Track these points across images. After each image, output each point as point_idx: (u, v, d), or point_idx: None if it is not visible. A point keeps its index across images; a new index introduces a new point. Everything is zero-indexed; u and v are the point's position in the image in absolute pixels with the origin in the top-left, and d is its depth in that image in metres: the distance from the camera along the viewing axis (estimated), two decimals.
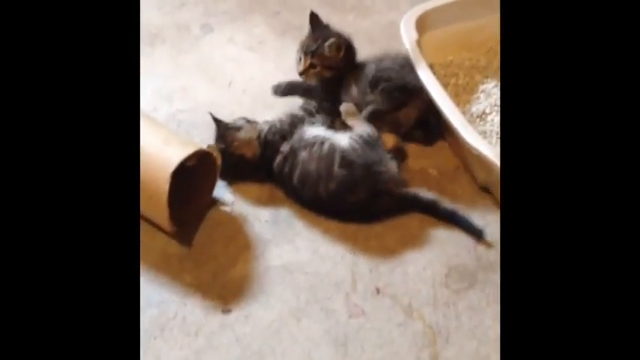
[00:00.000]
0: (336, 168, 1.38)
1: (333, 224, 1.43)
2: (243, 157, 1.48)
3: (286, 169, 1.44)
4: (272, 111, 1.62)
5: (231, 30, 1.86)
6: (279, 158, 1.45)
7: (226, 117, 1.57)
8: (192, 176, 1.42)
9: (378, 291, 1.33)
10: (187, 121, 1.63)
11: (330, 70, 1.56)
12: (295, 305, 1.31)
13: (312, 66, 1.55)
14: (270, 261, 1.38)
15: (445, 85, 1.58)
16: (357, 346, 1.25)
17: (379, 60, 1.57)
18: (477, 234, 1.39)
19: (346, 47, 1.57)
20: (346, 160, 1.39)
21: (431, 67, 1.55)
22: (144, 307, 1.30)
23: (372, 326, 1.28)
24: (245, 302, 1.31)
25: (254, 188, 1.49)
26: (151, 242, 1.39)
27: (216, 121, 1.49)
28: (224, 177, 1.48)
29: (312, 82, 1.58)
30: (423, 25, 1.59)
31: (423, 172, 1.52)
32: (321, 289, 1.33)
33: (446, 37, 1.64)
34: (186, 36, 1.83)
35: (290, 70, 1.67)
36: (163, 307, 1.30)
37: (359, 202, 1.39)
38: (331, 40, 1.53)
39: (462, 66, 1.66)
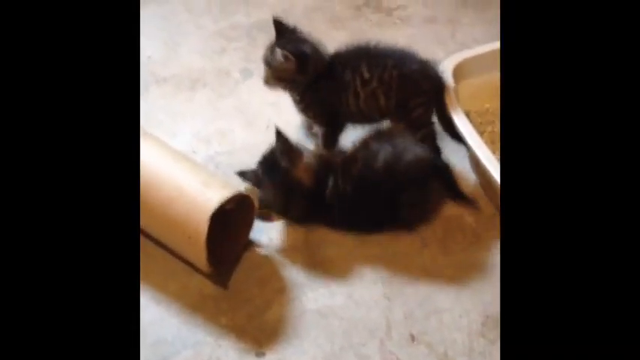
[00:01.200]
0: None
1: (368, 269, 1.43)
2: (300, 183, 1.46)
3: (340, 184, 1.45)
4: None
5: None
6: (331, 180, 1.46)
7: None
8: (230, 218, 1.43)
9: (413, 338, 1.32)
10: (225, 163, 1.66)
11: (284, 81, 1.52)
12: (329, 350, 1.31)
13: (274, 77, 1.52)
14: (305, 305, 1.38)
15: (481, 133, 1.59)
16: None
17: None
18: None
19: (300, 56, 1.47)
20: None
21: (467, 114, 1.56)
22: (179, 348, 1.31)
23: None
24: (279, 346, 1.31)
25: (290, 231, 1.50)
26: (188, 282, 1.41)
27: (281, 136, 1.46)
28: (271, 203, 1.50)
29: (276, 89, 1.55)
30: (460, 73, 1.60)
31: (459, 218, 1.52)
32: (356, 335, 1.33)
33: (483, 85, 1.65)
34: (226, 80, 1.87)
35: None
36: (198, 349, 1.31)
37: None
38: (278, 51, 1.46)
39: (498, 114, 1.67)
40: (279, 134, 1.45)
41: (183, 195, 1.36)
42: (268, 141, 1.70)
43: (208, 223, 1.31)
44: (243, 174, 1.48)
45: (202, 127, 1.75)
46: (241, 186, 1.47)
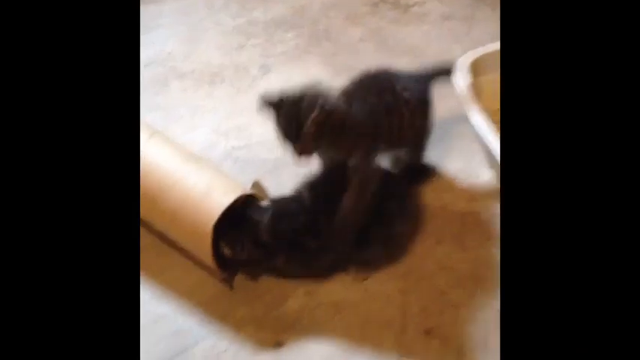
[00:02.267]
0: None
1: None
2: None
3: None
4: None
5: (288, 70, 1.91)
6: None
7: (280, 155, 1.61)
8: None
9: (428, 332, 1.33)
10: (242, 158, 1.68)
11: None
12: (346, 343, 1.33)
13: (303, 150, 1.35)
14: (321, 298, 1.40)
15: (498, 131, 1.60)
16: None
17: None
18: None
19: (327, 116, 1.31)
20: None
21: (485, 112, 1.57)
22: (198, 338, 1.33)
23: None
24: (296, 337, 1.34)
25: None
26: (205, 276, 1.43)
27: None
28: None
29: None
30: (477, 69, 1.61)
31: (475, 215, 1.53)
32: (371, 329, 1.35)
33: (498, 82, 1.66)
34: (245, 76, 1.90)
35: None
36: (217, 339, 1.33)
37: None
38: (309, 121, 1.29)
39: None
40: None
41: (190, 201, 1.39)
42: None
43: (212, 233, 1.34)
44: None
45: (221, 121, 1.78)
46: (248, 184, 1.48)
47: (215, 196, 1.38)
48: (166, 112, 1.79)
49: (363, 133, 1.39)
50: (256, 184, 1.47)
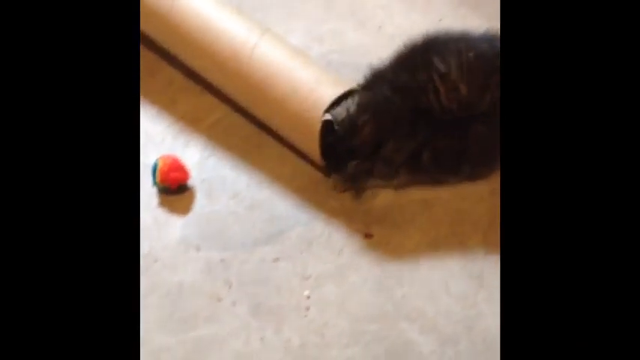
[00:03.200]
0: None
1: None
2: None
3: None
4: None
5: None
6: None
7: (374, 60, 1.64)
8: None
9: None
10: (337, 61, 1.71)
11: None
12: (434, 237, 1.37)
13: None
14: (411, 195, 1.44)
15: None
16: (493, 280, 1.30)
17: None
18: None
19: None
20: None
21: None
22: (293, 223, 1.40)
23: None
24: (386, 230, 1.39)
25: None
26: (300, 166, 1.49)
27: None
28: None
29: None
30: None
31: None
32: (460, 226, 1.39)
33: None
34: None
35: (436, 21, 1.74)
36: (310, 226, 1.39)
37: None
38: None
39: None
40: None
41: (297, 92, 1.43)
42: (379, 42, 1.75)
43: (320, 125, 1.38)
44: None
45: (315, 25, 1.80)
46: (354, 82, 1.52)
47: (323, 89, 1.42)
48: (262, 15, 1.81)
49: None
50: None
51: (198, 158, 1.53)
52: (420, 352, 1.23)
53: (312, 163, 1.48)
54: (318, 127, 1.38)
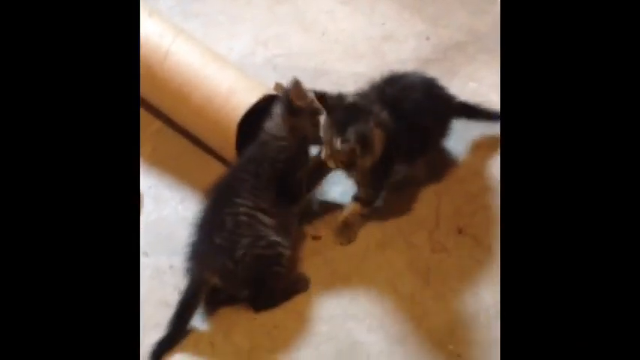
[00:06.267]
0: None
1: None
2: None
3: None
4: (362, 61, 1.70)
5: None
6: None
7: (319, 64, 1.67)
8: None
9: (460, 231, 1.40)
10: (282, 65, 1.72)
11: (348, 166, 1.33)
12: (381, 238, 1.40)
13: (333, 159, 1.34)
14: None
15: None
16: (438, 278, 1.33)
17: None
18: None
19: (363, 141, 1.29)
20: None
21: None
22: None
23: (453, 261, 1.36)
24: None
25: None
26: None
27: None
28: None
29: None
30: None
31: None
32: (406, 226, 1.41)
33: None
34: None
35: (379, 25, 1.77)
36: None
37: None
38: (344, 145, 1.28)
39: None
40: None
41: (212, 103, 1.43)
42: (323, 47, 1.77)
43: (235, 136, 1.39)
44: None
45: (260, 30, 1.81)
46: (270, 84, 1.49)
47: (236, 99, 1.42)
48: (206, 20, 1.83)
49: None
50: (278, 86, 1.46)
51: (144, 165, 1.52)
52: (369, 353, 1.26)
53: None
54: (234, 136, 1.40)
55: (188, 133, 1.55)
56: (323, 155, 1.34)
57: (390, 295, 1.32)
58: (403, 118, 1.36)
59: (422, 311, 1.30)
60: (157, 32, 1.52)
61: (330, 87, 1.60)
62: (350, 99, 1.36)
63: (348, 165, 1.33)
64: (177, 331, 1.27)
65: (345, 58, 1.74)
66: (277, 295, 1.31)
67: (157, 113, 1.59)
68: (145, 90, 1.52)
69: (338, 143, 1.29)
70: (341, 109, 1.33)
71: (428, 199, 1.45)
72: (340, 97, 1.35)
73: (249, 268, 1.26)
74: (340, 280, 1.34)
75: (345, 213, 1.40)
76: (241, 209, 1.28)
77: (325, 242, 1.39)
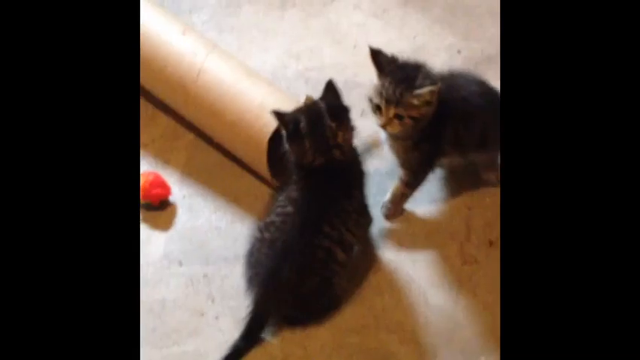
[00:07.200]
0: None
1: (451, 182, 1.51)
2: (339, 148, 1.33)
3: None
4: None
5: None
6: None
7: (350, 77, 1.69)
8: None
9: (490, 243, 1.40)
10: (314, 78, 1.74)
11: (417, 121, 1.33)
12: (412, 249, 1.41)
13: (397, 117, 1.32)
14: None
15: None
16: (469, 290, 1.34)
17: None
18: None
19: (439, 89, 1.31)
20: None
21: None
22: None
23: (483, 273, 1.36)
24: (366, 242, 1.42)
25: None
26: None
27: (334, 90, 1.35)
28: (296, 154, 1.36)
29: (396, 132, 1.35)
30: None
31: None
32: (437, 238, 1.42)
33: None
34: (315, 1, 1.94)
35: (410, 38, 1.79)
36: None
37: None
38: (423, 89, 1.30)
39: None
40: (330, 86, 1.36)
41: (243, 119, 1.46)
42: (355, 60, 1.79)
43: (265, 152, 1.42)
44: (279, 115, 1.31)
45: (292, 44, 1.83)
46: (301, 99, 1.53)
47: (268, 116, 1.39)
48: (239, 34, 1.85)
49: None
50: (308, 99, 1.49)
51: (179, 174, 1.55)
52: None
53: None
54: (264, 153, 1.42)
55: (221, 146, 1.58)
56: (380, 122, 1.33)
57: (421, 306, 1.33)
58: (457, 107, 1.36)
59: (453, 323, 1.31)
60: (189, 50, 1.55)
61: (362, 99, 1.63)
62: (401, 61, 1.37)
63: (419, 119, 1.31)
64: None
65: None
66: (313, 312, 1.32)
67: (190, 125, 1.62)
68: (180, 107, 1.57)
69: (410, 95, 1.28)
70: (397, 68, 1.34)
71: (459, 211, 1.46)
72: (394, 58, 1.37)
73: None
74: (372, 290, 1.35)
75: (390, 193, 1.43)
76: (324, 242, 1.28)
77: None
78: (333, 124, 1.29)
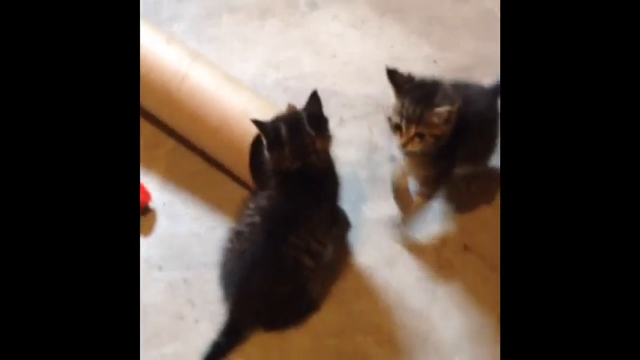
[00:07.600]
0: None
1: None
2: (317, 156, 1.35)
3: None
4: (372, 83, 1.75)
5: (335, 8, 1.98)
6: None
7: (329, 85, 1.72)
8: None
9: (465, 248, 1.44)
10: (293, 88, 1.77)
11: (438, 138, 1.33)
12: (389, 254, 1.44)
13: (418, 135, 1.32)
14: (366, 214, 1.50)
15: None
16: (445, 293, 1.37)
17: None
18: None
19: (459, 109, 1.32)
20: None
21: None
22: None
23: (459, 277, 1.39)
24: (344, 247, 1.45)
25: (352, 148, 1.62)
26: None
27: (316, 100, 1.36)
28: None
29: (416, 150, 1.35)
30: None
31: None
32: (414, 243, 1.45)
33: None
34: (294, 12, 1.97)
35: (388, 48, 1.83)
36: None
37: None
38: (443, 107, 1.30)
39: None
40: (314, 97, 1.36)
41: (226, 125, 1.48)
42: (334, 70, 1.83)
43: (248, 156, 1.44)
44: (259, 124, 1.33)
45: (272, 54, 1.86)
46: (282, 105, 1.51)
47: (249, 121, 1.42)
48: (220, 44, 1.88)
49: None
50: (290, 107, 1.48)
51: (159, 181, 1.57)
52: None
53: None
54: (247, 157, 1.44)
55: (202, 152, 1.60)
56: (401, 141, 1.33)
57: (397, 309, 1.36)
58: (473, 122, 1.38)
59: (429, 326, 1.33)
60: (173, 58, 1.58)
61: (340, 108, 1.67)
62: (417, 79, 1.37)
63: (439, 136, 1.31)
64: None
65: (355, 79, 1.79)
66: (290, 317, 1.35)
67: (171, 132, 1.64)
68: (163, 113, 1.59)
69: (431, 114, 1.29)
70: (415, 87, 1.34)
71: (435, 215, 1.50)
72: (410, 77, 1.36)
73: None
74: (349, 294, 1.38)
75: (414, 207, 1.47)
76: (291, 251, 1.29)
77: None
78: (313, 132, 1.32)
